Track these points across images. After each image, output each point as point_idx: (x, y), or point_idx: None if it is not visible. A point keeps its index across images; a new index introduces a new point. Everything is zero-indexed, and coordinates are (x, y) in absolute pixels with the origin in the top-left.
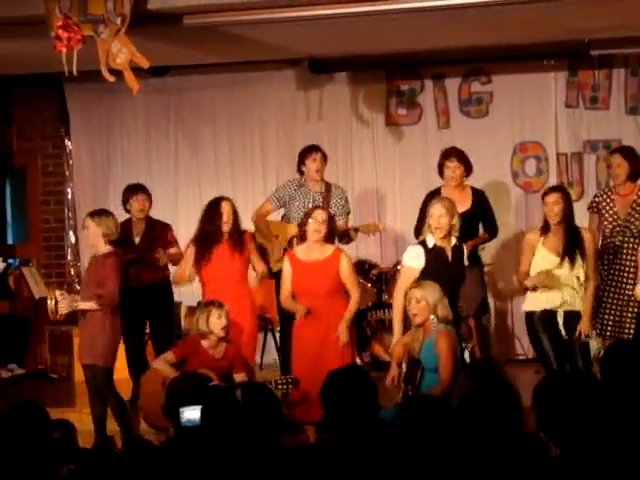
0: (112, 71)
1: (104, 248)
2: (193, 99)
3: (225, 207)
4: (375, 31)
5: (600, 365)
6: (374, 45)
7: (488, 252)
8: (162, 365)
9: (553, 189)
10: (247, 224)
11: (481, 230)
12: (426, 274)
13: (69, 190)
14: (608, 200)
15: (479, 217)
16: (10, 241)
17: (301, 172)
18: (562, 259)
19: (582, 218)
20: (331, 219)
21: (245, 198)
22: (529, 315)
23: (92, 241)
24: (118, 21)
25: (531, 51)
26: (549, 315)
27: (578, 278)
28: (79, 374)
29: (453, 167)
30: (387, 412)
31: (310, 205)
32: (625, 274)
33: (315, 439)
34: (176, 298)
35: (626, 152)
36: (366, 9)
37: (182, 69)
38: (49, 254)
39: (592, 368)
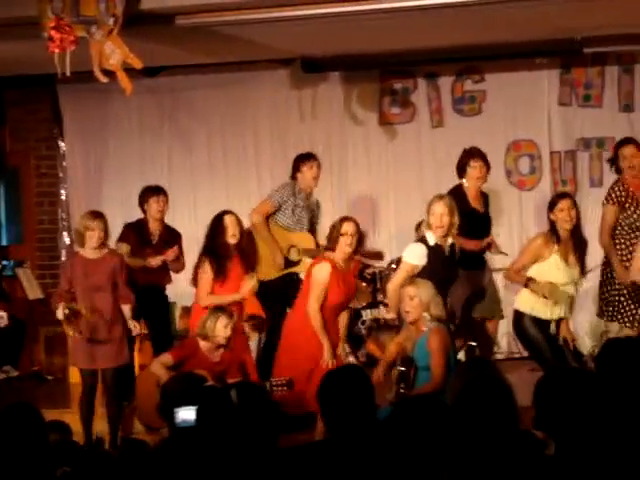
0: (105, 72)
1: (105, 248)
2: (186, 99)
3: (228, 220)
4: (368, 30)
5: (595, 363)
6: (367, 44)
7: None
8: (158, 369)
9: (564, 195)
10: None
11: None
12: (424, 272)
13: (63, 191)
14: (629, 192)
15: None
16: (4, 242)
17: (294, 178)
18: (575, 268)
19: None
20: (359, 229)
21: (239, 198)
22: (520, 314)
23: (99, 241)
24: (111, 22)
25: (524, 49)
26: (541, 319)
27: (576, 284)
28: (74, 376)
29: (479, 167)
30: (381, 411)
31: (302, 214)
32: None
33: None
34: (171, 299)
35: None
36: (359, 8)
37: (175, 69)
38: (43, 255)
39: (586, 366)
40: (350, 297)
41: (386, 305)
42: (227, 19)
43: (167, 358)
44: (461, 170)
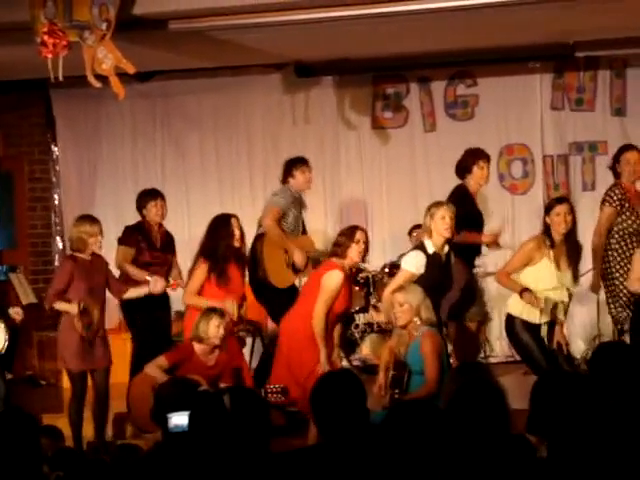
0: (98, 77)
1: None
2: (179, 104)
3: (235, 224)
4: (361, 35)
5: (588, 366)
6: (360, 49)
7: None
8: (154, 371)
9: (562, 200)
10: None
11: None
12: (420, 279)
13: (56, 196)
14: (626, 197)
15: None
16: None
17: (285, 182)
18: (567, 272)
19: None
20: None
21: (232, 201)
22: (512, 318)
23: (100, 245)
24: (104, 27)
25: (516, 53)
26: (531, 323)
27: (568, 288)
28: (67, 380)
29: (486, 167)
30: (375, 416)
31: (298, 218)
32: None
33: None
34: None
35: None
36: (351, 13)
37: (168, 74)
38: (36, 260)
39: (579, 370)
40: (351, 304)
41: (375, 307)
42: (220, 24)
43: (162, 361)
44: (464, 170)
